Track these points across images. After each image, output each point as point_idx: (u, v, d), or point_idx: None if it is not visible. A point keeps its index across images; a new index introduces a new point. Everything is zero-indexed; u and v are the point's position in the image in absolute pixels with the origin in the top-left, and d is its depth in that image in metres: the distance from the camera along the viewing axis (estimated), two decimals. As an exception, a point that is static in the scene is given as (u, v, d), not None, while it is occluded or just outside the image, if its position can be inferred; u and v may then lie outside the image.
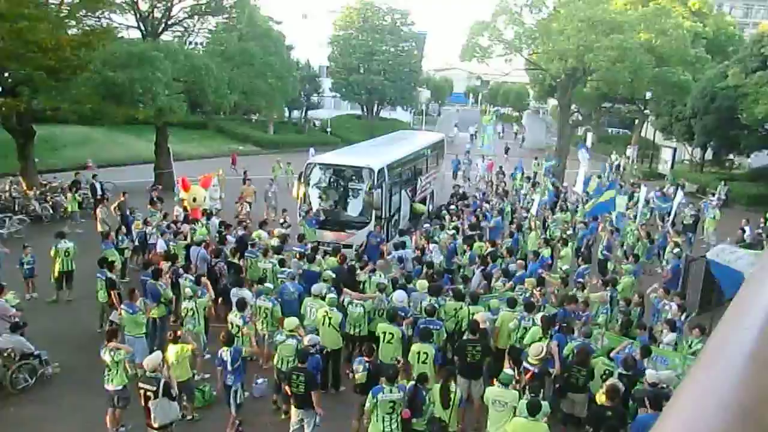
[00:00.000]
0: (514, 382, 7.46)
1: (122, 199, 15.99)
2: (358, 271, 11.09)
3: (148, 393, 7.11)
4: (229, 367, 7.74)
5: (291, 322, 8.47)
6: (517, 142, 45.65)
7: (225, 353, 7.77)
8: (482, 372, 8.38)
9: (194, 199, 16.04)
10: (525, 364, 7.90)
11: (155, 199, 16.01)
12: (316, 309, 9.24)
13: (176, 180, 18.36)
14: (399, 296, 9.55)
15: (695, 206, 19.76)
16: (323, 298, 9.39)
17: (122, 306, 9.27)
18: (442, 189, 22.43)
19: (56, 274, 12.03)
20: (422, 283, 10.19)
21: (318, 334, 8.53)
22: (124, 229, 13.77)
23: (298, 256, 11.65)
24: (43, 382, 9.21)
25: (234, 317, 8.96)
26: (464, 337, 8.59)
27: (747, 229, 17.32)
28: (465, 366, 8.27)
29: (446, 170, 25.86)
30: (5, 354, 8.92)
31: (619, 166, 32.27)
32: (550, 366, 8.09)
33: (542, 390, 7.39)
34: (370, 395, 6.85)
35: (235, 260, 11.93)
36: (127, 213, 15.24)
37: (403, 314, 9.14)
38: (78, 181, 18.95)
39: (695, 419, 0.54)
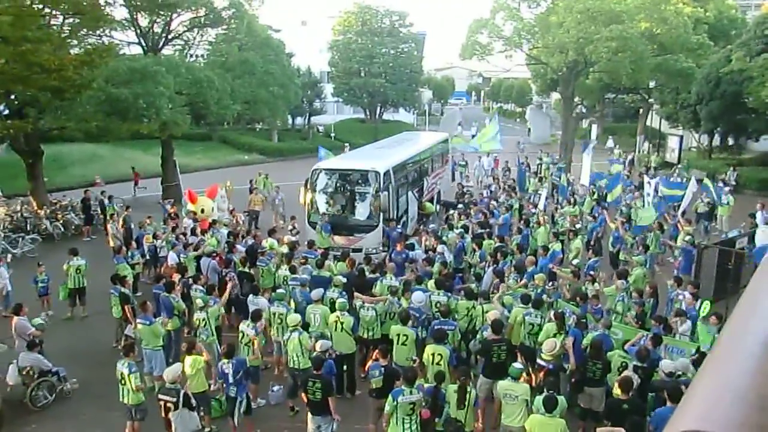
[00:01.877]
0: (525, 376, 7.45)
1: (126, 213, 16.35)
2: (369, 275, 11.12)
3: (168, 404, 7.15)
4: (231, 379, 7.75)
5: (293, 318, 8.64)
6: (527, 139, 45.42)
7: (226, 365, 7.78)
8: (506, 371, 8.35)
9: (202, 210, 16.13)
10: (539, 360, 7.85)
11: (171, 215, 16.27)
12: (320, 315, 9.28)
13: (183, 192, 18.49)
14: (418, 297, 9.52)
15: (709, 194, 19.55)
16: (329, 304, 9.47)
17: (138, 319, 9.32)
18: (448, 188, 22.41)
19: (66, 291, 12.17)
20: (432, 284, 10.19)
21: (325, 340, 8.55)
22: (134, 243, 13.89)
23: (303, 260, 11.74)
24: (63, 398, 9.29)
25: (246, 327, 8.98)
26: (484, 336, 8.52)
27: (759, 214, 17.08)
28: (490, 366, 8.20)
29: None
30: (24, 372, 9.02)
31: (633, 161, 31.70)
32: (565, 362, 8.04)
33: (558, 386, 7.35)
34: (390, 398, 6.83)
35: (246, 269, 11.96)
36: (132, 226, 15.65)
37: (417, 315, 9.15)
38: (87, 198, 19.14)
39: (713, 410, 0.54)
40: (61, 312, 12.41)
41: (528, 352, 8.61)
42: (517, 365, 7.44)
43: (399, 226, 14.95)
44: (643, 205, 16.80)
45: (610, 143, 36.64)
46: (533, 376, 8.42)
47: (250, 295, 10.35)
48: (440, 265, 11.80)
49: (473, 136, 37.93)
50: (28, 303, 10.44)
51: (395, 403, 6.74)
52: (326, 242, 13.59)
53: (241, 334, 8.97)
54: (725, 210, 18.36)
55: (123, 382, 7.70)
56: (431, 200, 19.44)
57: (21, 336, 9.54)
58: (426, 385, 7.25)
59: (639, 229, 14.72)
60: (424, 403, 6.90)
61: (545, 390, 6.80)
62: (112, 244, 14.86)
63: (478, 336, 8.93)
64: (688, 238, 13.43)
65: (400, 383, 7.08)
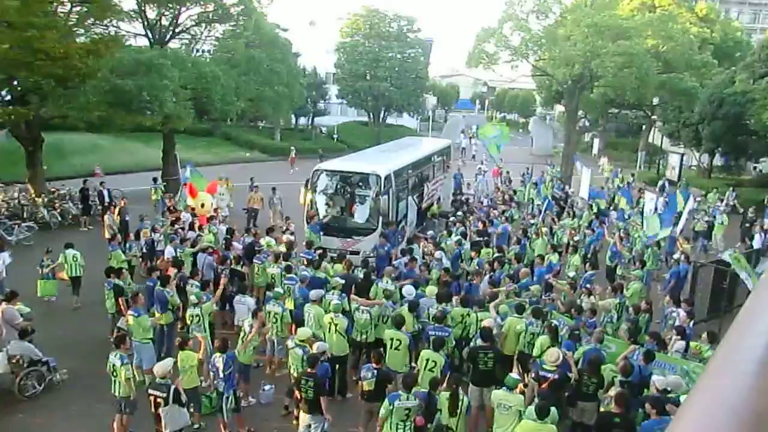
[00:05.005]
0: (521, 386, 7.41)
1: (122, 204, 16.40)
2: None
3: (159, 399, 7.11)
4: (221, 374, 7.74)
5: (304, 332, 8.45)
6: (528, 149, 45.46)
7: (218, 359, 7.77)
8: (495, 379, 8.31)
9: (202, 205, 16.11)
10: (542, 372, 7.75)
11: (170, 209, 16.22)
12: (313, 314, 9.26)
13: (182, 186, 18.46)
14: (408, 290, 9.93)
15: (708, 212, 19.59)
16: (326, 306, 9.45)
17: (129, 311, 9.29)
18: (449, 195, 22.43)
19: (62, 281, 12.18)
20: (431, 290, 10.18)
21: (320, 341, 8.52)
22: (132, 236, 13.88)
23: (305, 262, 11.70)
24: (51, 388, 9.23)
25: (246, 324, 9.00)
26: (475, 344, 8.52)
27: (757, 236, 17.10)
28: (477, 374, 8.17)
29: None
30: (14, 361, 8.95)
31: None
32: (567, 371, 7.98)
33: (559, 398, 7.30)
34: (386, 402, 6.80)
35: (238, 267, 11.92)
36: (126, 218, 15.77)
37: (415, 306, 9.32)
38: (86, 188, 19.08)
39: (707, 427, 0.53)
40: (64, 300, 12.33)
41: (525, 362, 8.60)
42: (514, 375, 7.39)
43: (398, 230, 14.91)
44: (642, 223, 16.74)
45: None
46: (528, 386, 8.37)
47: (238, 295, 10.34)
48: (440, 271, 11.79)
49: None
50: (20, 290, 10.39)
51: (391, 407, 6.70)
52: (316, 242, 13.55)
53: (242, 331, 9.01)
54: (720, 229, 18.40)
55: (114, 373, 7.66)
56: (431, 206, 19.46)
57: (9, 324, 9.47)
58: (420, 391, 7.22)
59: (653, 239, 14.54)
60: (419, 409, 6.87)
61: (540, 398, 6.77)
62: (107, 235, 14.82)
63: (471, 344, 8.91)
64: (676, 256, 13.44)
65: (393, 387, 7.03)
